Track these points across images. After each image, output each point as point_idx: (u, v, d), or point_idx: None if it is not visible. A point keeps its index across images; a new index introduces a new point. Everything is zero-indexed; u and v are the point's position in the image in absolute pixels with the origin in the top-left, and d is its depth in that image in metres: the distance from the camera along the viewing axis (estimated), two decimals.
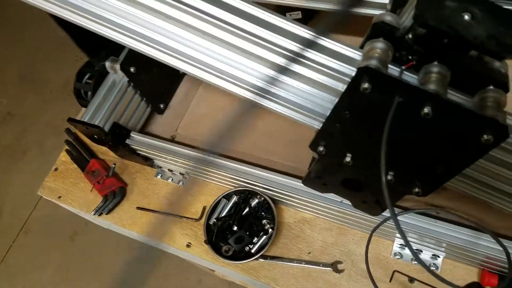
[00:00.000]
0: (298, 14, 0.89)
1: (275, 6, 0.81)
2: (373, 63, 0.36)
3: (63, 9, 0.50)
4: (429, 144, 0.38)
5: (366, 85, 0.35)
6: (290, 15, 0.89)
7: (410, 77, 0.39)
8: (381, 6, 0.61)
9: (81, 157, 0.83)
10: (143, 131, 0.83)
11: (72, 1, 0.49)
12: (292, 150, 0.73)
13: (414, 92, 0.35)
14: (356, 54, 0.41)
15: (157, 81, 0.82)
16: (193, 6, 0.43)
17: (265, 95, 0.45)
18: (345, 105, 0.40)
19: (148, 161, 0.76)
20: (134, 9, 0.47)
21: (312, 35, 0.43)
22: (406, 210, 0.58)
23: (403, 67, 0.39)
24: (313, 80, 0.42)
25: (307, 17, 0.90)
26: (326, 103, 0.43)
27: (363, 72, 0.35)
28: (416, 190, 0.43)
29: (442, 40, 0.37)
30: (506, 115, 0.35)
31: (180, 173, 0.76)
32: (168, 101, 0.86)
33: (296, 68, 0.43)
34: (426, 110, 0.34)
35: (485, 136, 0.34)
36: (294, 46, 0.42)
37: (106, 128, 0.72)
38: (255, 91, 0.45)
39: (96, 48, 0.74)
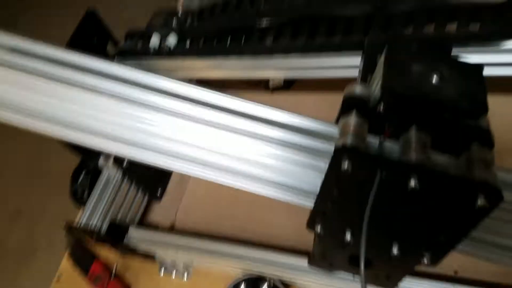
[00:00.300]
0: (280, 81, 0.91)
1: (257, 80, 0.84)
2: (349, 141, 0.35)
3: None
4: (425, 214, 0.36)
5: (346, 165, 0.34)
6: (272, 82, 0.92)
7: (393, 146, 0.38)
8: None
9: (84, 260, 0.80)
10: (142, 221, 0.81)
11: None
12: (294, 220, 0.70)
13: (396, 166, 0.34)
14: (332, 130, 0.41)
15: (150, 169, 0.82)
16: (166, 108, 0.44)
17: (246, 178, 0.43)
18: (331, 184, 0.38)
19: (148, 257, 0.74)
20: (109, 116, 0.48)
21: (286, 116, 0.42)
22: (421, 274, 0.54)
23: (382, 137, 0.38)
24: (293, 160, 0.41)
25: (289, 83, 0.92)
26: (313, 179, 0.42)
27: (341, 152, 0.35)
28: (425, 260, 0.40)
29: (414, 106, 0.36)
30: (496, 174, 0.33)
31: (183, 263, 0.72)
32: (164, 186, 0.85)
33: (275, 150, 0.42)
34: (412, 184, 0.32)
35: (479, 201, 0.32)
36: (270, 131, 0.42)
37: (103, 229, 0.71)
38: (235, 176, 0.44)
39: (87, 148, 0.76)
